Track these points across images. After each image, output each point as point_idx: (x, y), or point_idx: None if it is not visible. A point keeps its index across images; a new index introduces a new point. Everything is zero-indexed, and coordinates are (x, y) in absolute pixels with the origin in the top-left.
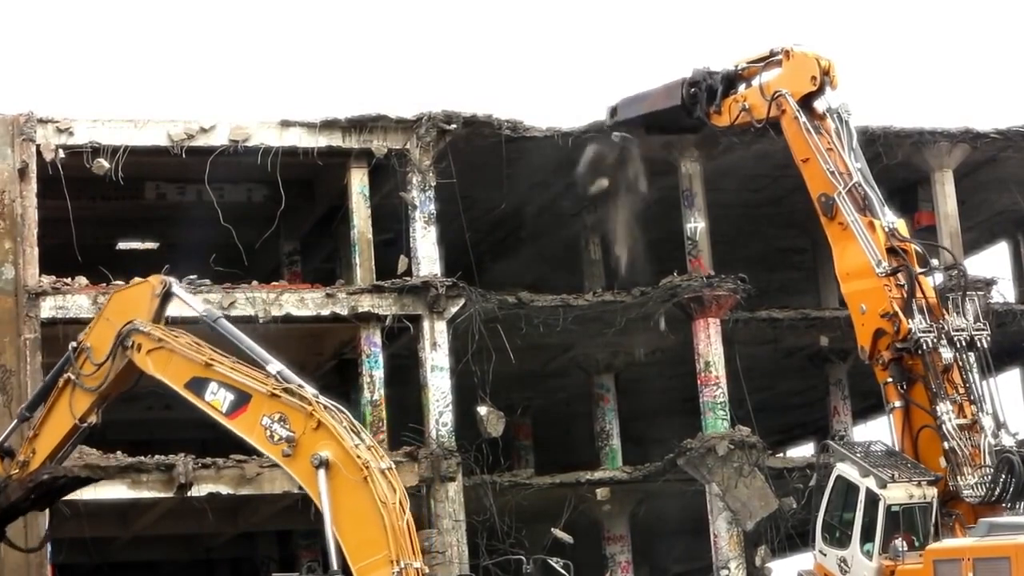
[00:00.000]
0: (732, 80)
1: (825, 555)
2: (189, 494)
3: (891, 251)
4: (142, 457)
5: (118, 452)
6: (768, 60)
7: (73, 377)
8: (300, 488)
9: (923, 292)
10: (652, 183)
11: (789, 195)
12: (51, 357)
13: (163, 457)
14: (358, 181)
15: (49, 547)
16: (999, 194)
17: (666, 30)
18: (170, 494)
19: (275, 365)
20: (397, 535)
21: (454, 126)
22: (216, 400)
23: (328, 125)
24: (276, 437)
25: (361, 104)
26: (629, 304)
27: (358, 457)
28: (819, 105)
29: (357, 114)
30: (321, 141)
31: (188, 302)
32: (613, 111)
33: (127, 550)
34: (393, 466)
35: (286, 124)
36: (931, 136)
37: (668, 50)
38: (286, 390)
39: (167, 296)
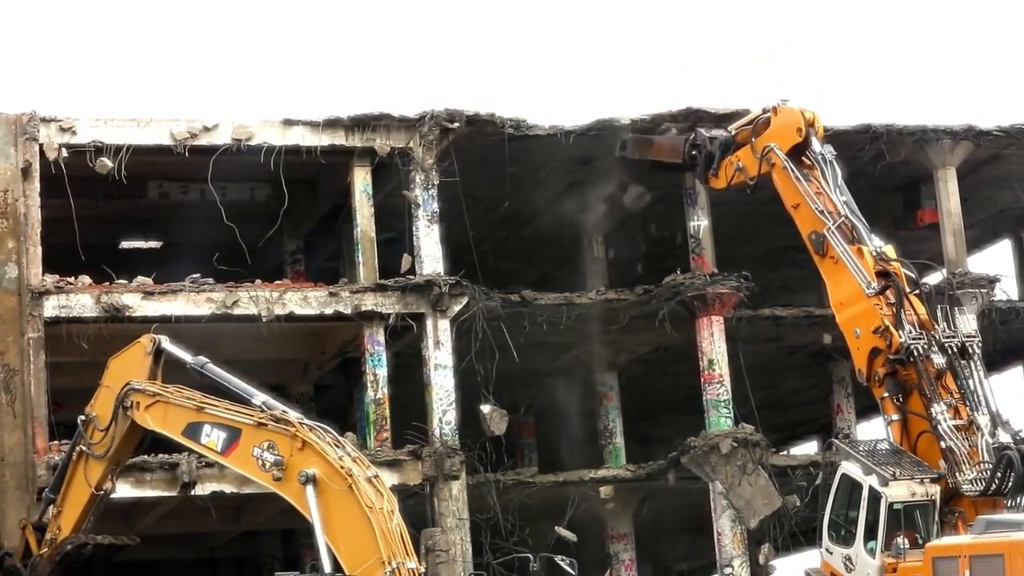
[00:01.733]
0: (728, 145)
1: (831, 553)
2: (193, 493)
3: (881, 274)
4: (146, 456)
5: None
6: (756, 121)
7: (85, 448)
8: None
9: (913, 307)
10: (655, 182)
11: None
12: (54, 356)
13: (167, 456)
14: (361, 180)
15: None
16: (1002, 191)
17: (667, 29)
18: (174, 493)
19: (259, 397)
20: (387, 537)
21: (457, 125)
22: (211, 441)
23: (331, 124)
24: (267, 464)
25: (364, 103)
26: (632, 302)
27: (342, 467)
28: (806, 155)
29: (360, 113)
30: (324, 140)
31: (176, 354)
32: (623, 145)
33: (131, 549)
34: (379, 474)
35: (289, 123)
36: (934, 134)
37: (669, 49)
38: (271, 418)
39: (159, 353)
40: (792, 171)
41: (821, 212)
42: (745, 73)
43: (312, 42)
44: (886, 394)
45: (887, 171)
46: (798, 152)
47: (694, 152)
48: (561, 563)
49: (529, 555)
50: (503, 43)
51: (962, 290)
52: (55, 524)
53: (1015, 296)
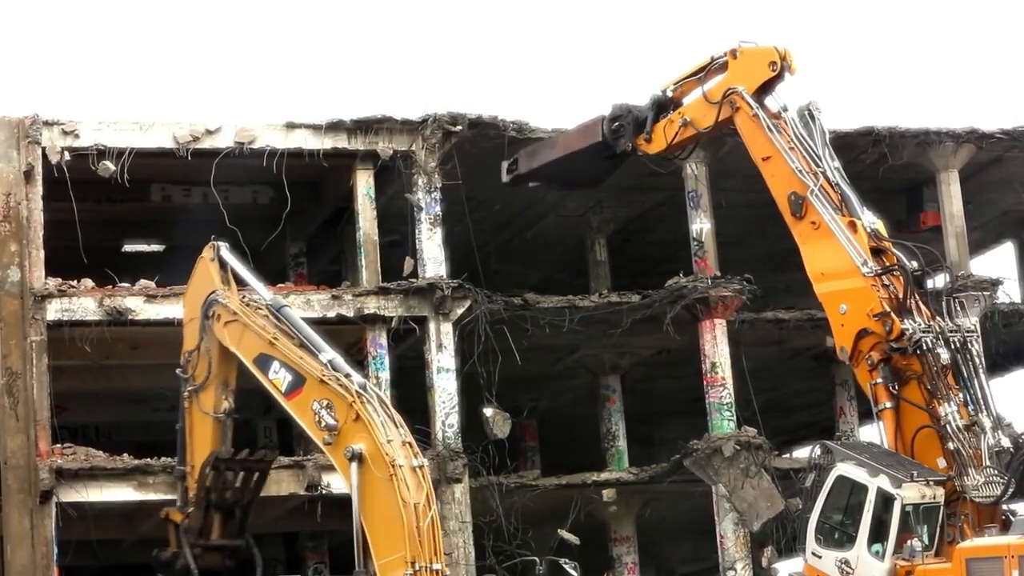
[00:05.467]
0: (662, 106)
1: (820, 557)
2: None
3: (874, 251)
4: (148, 459)
5: (124, 454)
6: (708, 69)
7: (191, 388)
8: (306, 490)
9: (914, 293)
10: (657, 185)
11: None
12: (57, 360)
13: (169, 459)
14: (364, 183)
15: (55, 549)
16: (1004, 194)
17: (670, 29)
18: (176, 496)
19: (328, 353)
20: (414, 536)
21: (459, 127)
22: (277, 379)
23: (333, 127)
24: (323, 423)
25: (366, 106)
26: (635, 305)
27: (386, 455)
28: (772, 104)
29: (362, 116)
30: (327, 143)
31: (234, 265)
32: (512, 166)
33: (133, 552)
34: (426, 463)
35: (291, 126)
36: (936, 136)
37: (670, 51)
38: (333, 378)
39: (223, 261)
40: (764, 119)
41: (800, 172)
42: None
43: (314, 45)
44: (880, 380)
45: (889, 173)
46: (765, 92)
47: (616, 124)
48: (565, 566)
49: (535, 558)
50: (505, 45)
51: (965, 293)
52: (191, 481)
53: (1018, 299)
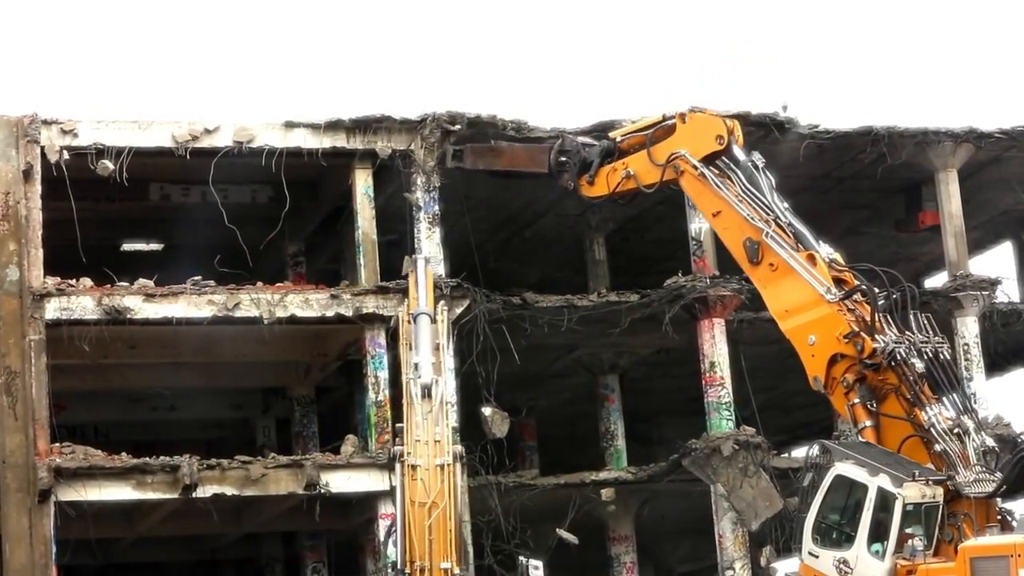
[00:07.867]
0: (610, 152)
1: (817, 556)
2: (194, 495)
3: (836, 280)
4: (147, 458)
5: (123, 453)
6: (657, 127)
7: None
8: (305, 489)
9: (878, 313)
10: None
11: (792, 196)
12: (56, 359)
13: (168, 458)
14: (362, 182)
15: (54, 548)
16: (1003, 194)
17: (668, 31)
18: (175, 495)
19: (417, 356)
20: (414, 537)
21: (458, 127)
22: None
23: (332, 126)
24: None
25: (365, 105)
26: (634, 305)
27: (407, 454)
28: (717, 164)
29: (361, 115)
30: (325, 142)
31: (420, 284)
32: (457, 154)
33: (132, 551)
34: (450, 462)
35: (290, 125)
36: (935, 136)
37: (670, 51)
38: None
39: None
40: (712, 179)
41: (751, 219)
42: (747, 75)
43: (313, 44)
44: (857, 400)
45: (888, 173)
46: (711, 160)
47: (563, 159)
48: (527, 562)
49: (522, 557)
50: (504, 45)
51: (963, 292)
52: None
53: (1016, 298)
